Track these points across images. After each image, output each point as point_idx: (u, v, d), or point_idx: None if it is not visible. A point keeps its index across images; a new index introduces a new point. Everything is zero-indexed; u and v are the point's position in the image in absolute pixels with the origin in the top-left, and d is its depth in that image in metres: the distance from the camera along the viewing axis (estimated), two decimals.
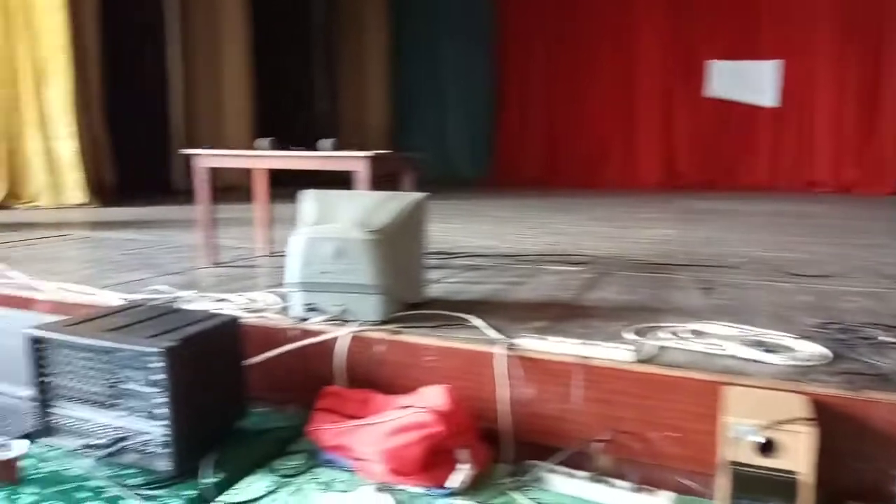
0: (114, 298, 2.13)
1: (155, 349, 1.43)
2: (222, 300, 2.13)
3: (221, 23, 7.19)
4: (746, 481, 1.29)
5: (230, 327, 1.66)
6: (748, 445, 1.29)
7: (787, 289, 2.46)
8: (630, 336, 1.75)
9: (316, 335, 1.82)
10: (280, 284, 2.37)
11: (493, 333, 1.75)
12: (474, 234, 3.95)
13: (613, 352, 1.56)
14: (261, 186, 3.02)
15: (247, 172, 6.37)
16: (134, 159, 6.10)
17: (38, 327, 1.56)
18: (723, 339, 1.72)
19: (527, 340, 1.64)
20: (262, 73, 7.73)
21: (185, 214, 5.00)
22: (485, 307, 2.10)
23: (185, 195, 6.41)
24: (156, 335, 1.49)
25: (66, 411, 1.58)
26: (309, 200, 2.09)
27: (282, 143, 2.71)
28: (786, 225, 4.80)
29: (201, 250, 2.83)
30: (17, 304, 2.20)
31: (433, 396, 1.52)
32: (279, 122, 7.22)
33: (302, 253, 1.91)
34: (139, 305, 1.79)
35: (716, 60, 8.55)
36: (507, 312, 2.06)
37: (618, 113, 9.16)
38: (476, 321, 1.87)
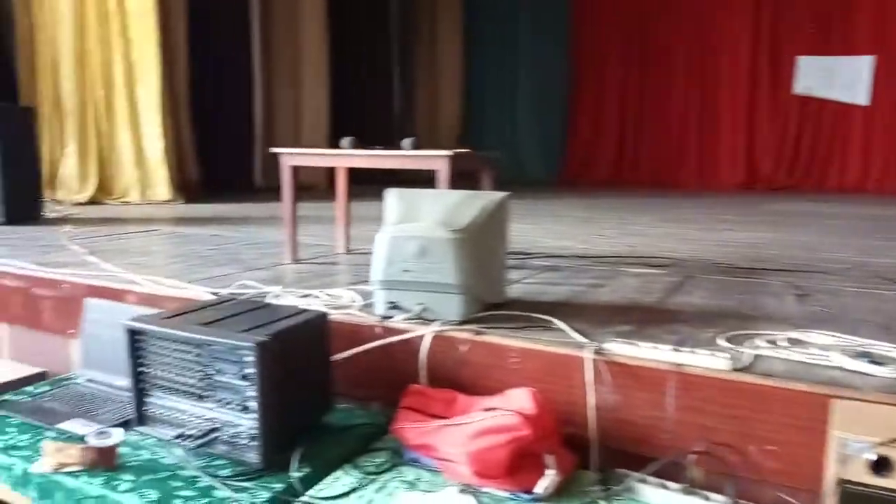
0: (203, 293, 2.19)
1: (248, 343, 1.46)
2: (306, 296, 2.16)
3: (302, 25, 7.37)
4: (857, 501, 1.22)
5: (319, 323, 1.68)
6: (860, 463, 1.21)
7: (890, 296, 2.32)
8: (723, 343, 1.68)
9: (400, 333, 1.82)
10: (359, 282, 2.40)
11: (578, 336, 1.72)
12: (549, 234, 3.90)
13: (708, 359, 1.50)
14: (342, 185, 3.06)
15: (320, 171, 6.56)
16: (217, 157, 6.32)
17: (136, 319, 1.62)
18: (824, 348, 1.63)
19: (616, 345, 1.59)
20: (339, 73, 7.87)
21: (265, 211, 5.15)
22: (565, 309, 2.06)
23: (264, 192, 6.61)
24: (248, 329, 1.52)
25: (161, 401, 1.63)
26: (392, 199, 2.10)
27: (361, 143, 2.74)
28: (881, 229, 4.54)
29: (284, 247, 2.89)
30: (111, 295, 2.30)
31: (519, 399, 1.49)
32: (354, 122, 7.32)
33: (386, 251, 1.92)
34: (230, 300, 1.83)
35: (804, 56, 8.17)
36: (589, 315, 2.01)
37: (696, 111, 8.89)
38: (559, 323, 1.83)
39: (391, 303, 1.93)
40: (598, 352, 1.58)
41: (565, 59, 9.67)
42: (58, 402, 1.90)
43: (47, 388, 2.04)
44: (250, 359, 1.47)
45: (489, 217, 2.05)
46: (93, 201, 5.36)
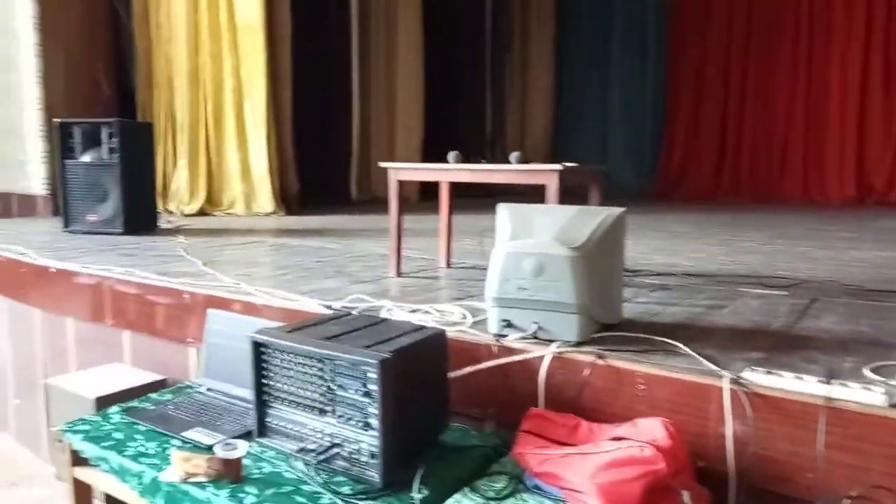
0: (314, 305, 2.22)
1: (372, 360, 1.45)
2: (415, 311, 2.15)
3: (398, 40, 7.50)
4: None
5: (438, 340, 1.66)
6: None
7: None
8: (869, 374, 1.55)
9: (518, 353, 1.77)
10: (465, 297, 2.37)
11: (708, 364, 1.62)
12: (653, 251, 3.76)
13: (862, 394, 1.37)
14: (445, 199, 3.05)
15: (413, 184, 6.62)
16: (315, 170, 6.48)
17: (261, 332, 1.65)
18: None
19: (755, 375, 1.49)
20: (432, 87, 7.94)
21: (363, 224, 5.24)
22: (687, 332, 1.96)
23: (360, 205, 6.74)
24: (370, 345, 1.51)
25: (282, 414, 1.64)
26: (504, 214, 2.06)
27: (463, 157, 2.73)
28: None
29: (387, 260, 2.90)
30: (227, 306, 2.37)
31: (651, 429, 1.42)
32: (446, 136, 7.36)
33: (500, 267, 1.88)
34: (347, 314, 1.84)
35: None
36: (714, 339, 1.90)
37: (801, 121, 8.43)
38: (684, 348, 1.74)
39: (505, 321, 1.89)
40: (737, 381, 1.48)
41: (659, 70, 9.41)
42: (181, 411, 1.97)
43: (170, 396, 2.12)
44: (373, 375, 1.46)
45: (606, 234, 1.98)
46: (201, 212, 5.61)
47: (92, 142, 4.16)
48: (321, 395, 1.57)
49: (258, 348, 1.64)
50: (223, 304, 2.37)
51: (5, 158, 5.68)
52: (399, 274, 2.88)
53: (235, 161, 5.74)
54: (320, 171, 6.71)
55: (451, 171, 2.69)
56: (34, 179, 5.50)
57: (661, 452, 1.34)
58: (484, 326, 1.95)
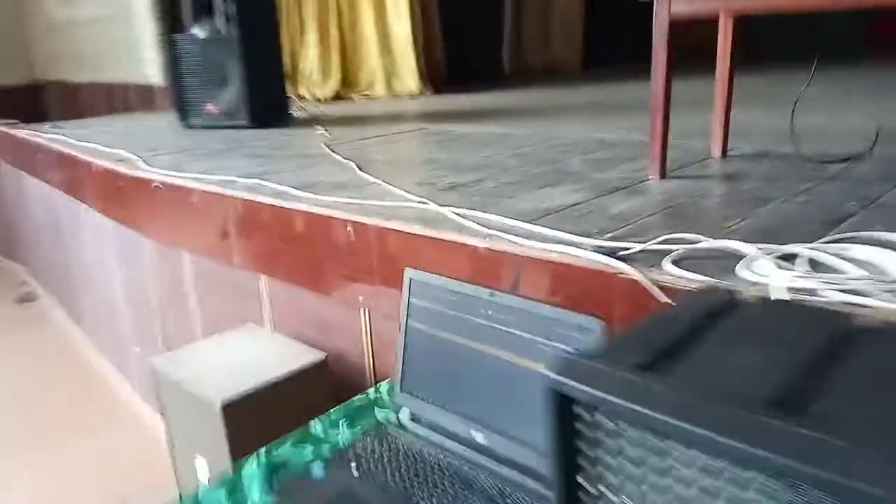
0: (587, 252, 1.20)
1: None
2: (785, 257, 1.09)
3: None
4: None
5: None
6: None
7: None
8: None
9: None
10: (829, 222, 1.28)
11: None
12: None
13: None
14: (726, 45, 1.89)
15: (574, 48, 5.35)
16: (463, 43, 5.33)
17: (570, 366, 0.66)
18: None
19: None
20: None
21: (533, 101, 4.13)
22: None
23: (513, 81, 5.56)
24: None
25: None
26: None
27: None
28: None
29: (650, 151, 1.82)
30: (413, 251, 1.42)
31: None
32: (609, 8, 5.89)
33: None
34: (734, 301, 0.81)
35: None
36: None
37: None
38: None
39: None
40: None
41: None
42: (371, 482, 1.03)
43: (347, 433, 1.18)
44: None
45: None
46: (336, 97, 4.70)
47: (204, 11, 3.27)
48: None
49: (565, 407, 0.67)
50: (416, 247, 1.43)
51: (118, 43, 4.97)
52: (664, 174, 1.80)
53: (372, 32, 4.71)
54: (469, 43, 5.53)
55: None
56: (150, 66, 4.76)
57: None
58: None
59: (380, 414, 1.22)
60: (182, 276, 2.24)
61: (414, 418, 1.14)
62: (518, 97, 4.35)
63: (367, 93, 4.79)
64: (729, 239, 1.19)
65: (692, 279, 1.03)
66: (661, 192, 1.65)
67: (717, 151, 2.02)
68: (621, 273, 1.08)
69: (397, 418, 1.17)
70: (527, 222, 1.38)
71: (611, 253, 1.16)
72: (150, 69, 4.76)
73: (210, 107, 3.27)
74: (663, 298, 1.02)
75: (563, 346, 0.90)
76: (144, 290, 2.53)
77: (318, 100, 4.62)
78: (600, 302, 1.10)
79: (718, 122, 2.00)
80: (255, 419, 1.47)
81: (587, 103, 3.84)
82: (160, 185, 2.11)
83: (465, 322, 1.04)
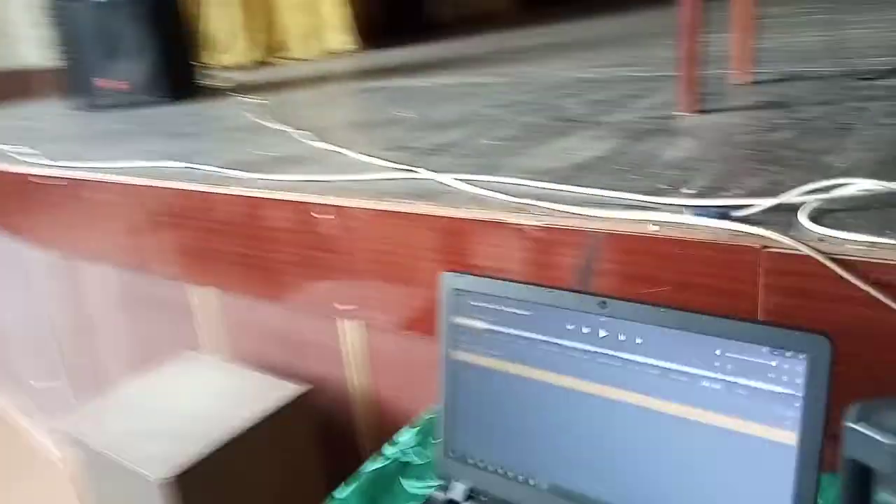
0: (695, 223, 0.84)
1: None
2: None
3: None
4: None
5: None
6: None
7: None
8: None
9: None
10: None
11: None
12: None
13: None
14: None
15: None
16: None
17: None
18: None
19: None
20: None
21: (488, 46, 3.70)
22: None
23: (445, 29, 5.08)
24: None
25: None
26: None
27: None
28: None
29: (679, 86, 1.46)
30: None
31: None
32: None
33: None
34: None
35: None
36: None
37: None
38: None
39: None
40: None
41: None
42: None
43: None
44: None
45: None
46: (255, 62, 4.15)
47: None
48: None
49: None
50: (422, 233, 1.03)
51: None
52: (697, 108, 1.46)
53: None
54: None
55: None
56: (26, 46, 4.07)
57: None
58: None
59: (412, 487, 0.82)
60: (86, 294, 1.77)
61: (473, 495, 0.76)
62: (465, 46, 3.89)
63: (288, 55, 4.26)
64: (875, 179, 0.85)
65: (880, 243, 0.68)
66: (712, 130, 1.30)
67: (744, 77, 1.68)
68: (768, 245, 0.73)
69: (445, 496, 0.78)
70: (564, 184, 1.00)
71: (724, 216, 0.80)
72: (27, 49, 4.06)
73: (110, 83, 2.72)
74: (853, 280, 0.67)
75: (768, 388, 0.54)
76: (37, 315, 2.04)
77: (230, 67, 4.06)
78: (735, 293, 0.74)
79: (740, 44, 1.66)
80: (213, 492, 1.07)
81: (546, 45, 3.42)
82: (39, 180, 1.62)
83: (559, 351, 0.66)
